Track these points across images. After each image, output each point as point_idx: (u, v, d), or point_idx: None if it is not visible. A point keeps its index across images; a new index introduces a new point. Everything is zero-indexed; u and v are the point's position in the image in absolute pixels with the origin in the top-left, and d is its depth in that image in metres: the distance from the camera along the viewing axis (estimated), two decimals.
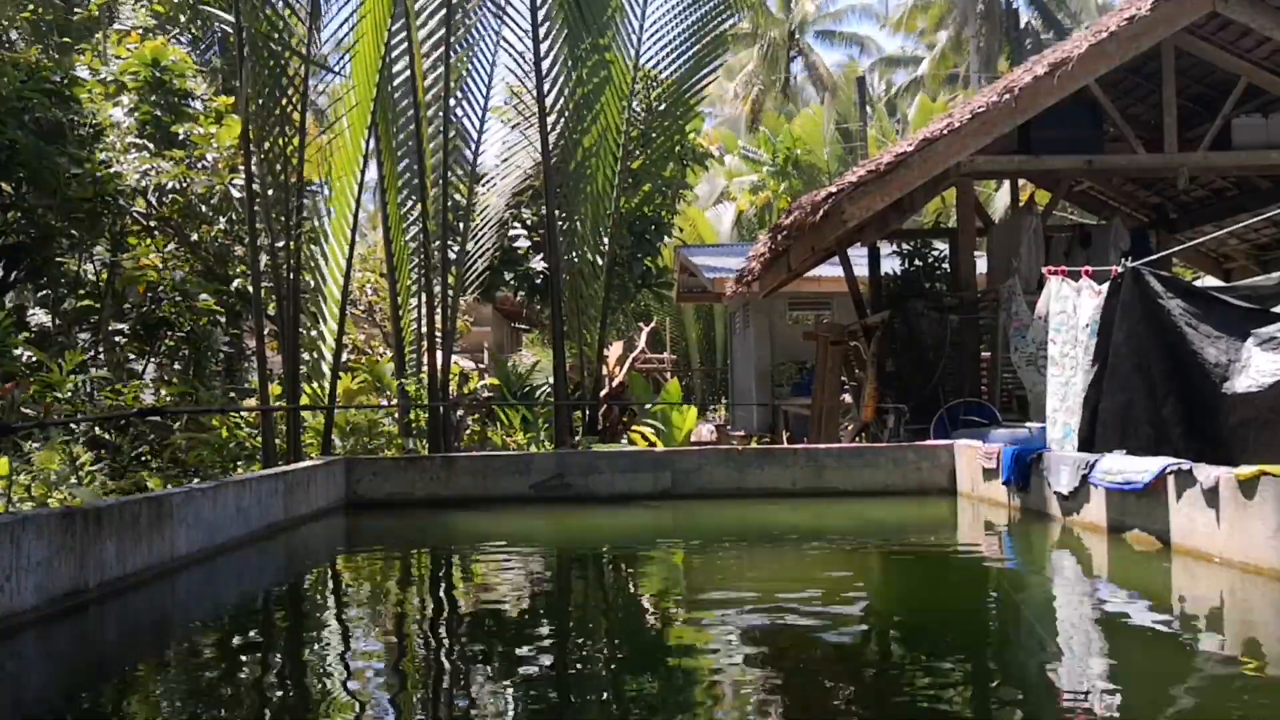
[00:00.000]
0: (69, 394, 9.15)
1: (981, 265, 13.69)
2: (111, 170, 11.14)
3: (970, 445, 10.07)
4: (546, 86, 13.16)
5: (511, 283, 16.30)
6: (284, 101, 10.67)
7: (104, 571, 5.80)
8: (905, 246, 14.20)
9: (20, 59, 10.97)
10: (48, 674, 4.69)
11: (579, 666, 4.78)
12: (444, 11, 12.29)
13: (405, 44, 12.21)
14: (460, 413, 13.36)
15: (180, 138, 12.58)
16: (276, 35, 10.57)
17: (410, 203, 13.18)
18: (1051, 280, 9.08)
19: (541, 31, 13.04)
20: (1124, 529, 7.17)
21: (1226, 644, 5.04)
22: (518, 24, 13.12)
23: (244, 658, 5.10)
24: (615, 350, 16.92)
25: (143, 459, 10.29)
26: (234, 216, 12.53)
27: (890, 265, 14.40)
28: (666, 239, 17.66)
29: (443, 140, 12.61)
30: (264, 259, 10.94)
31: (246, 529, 7.85)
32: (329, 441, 11.45)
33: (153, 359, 12.50)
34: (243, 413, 11.06)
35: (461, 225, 13.55)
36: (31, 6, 13.78)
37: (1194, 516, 6.40)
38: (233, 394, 13.79)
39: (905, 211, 12.51)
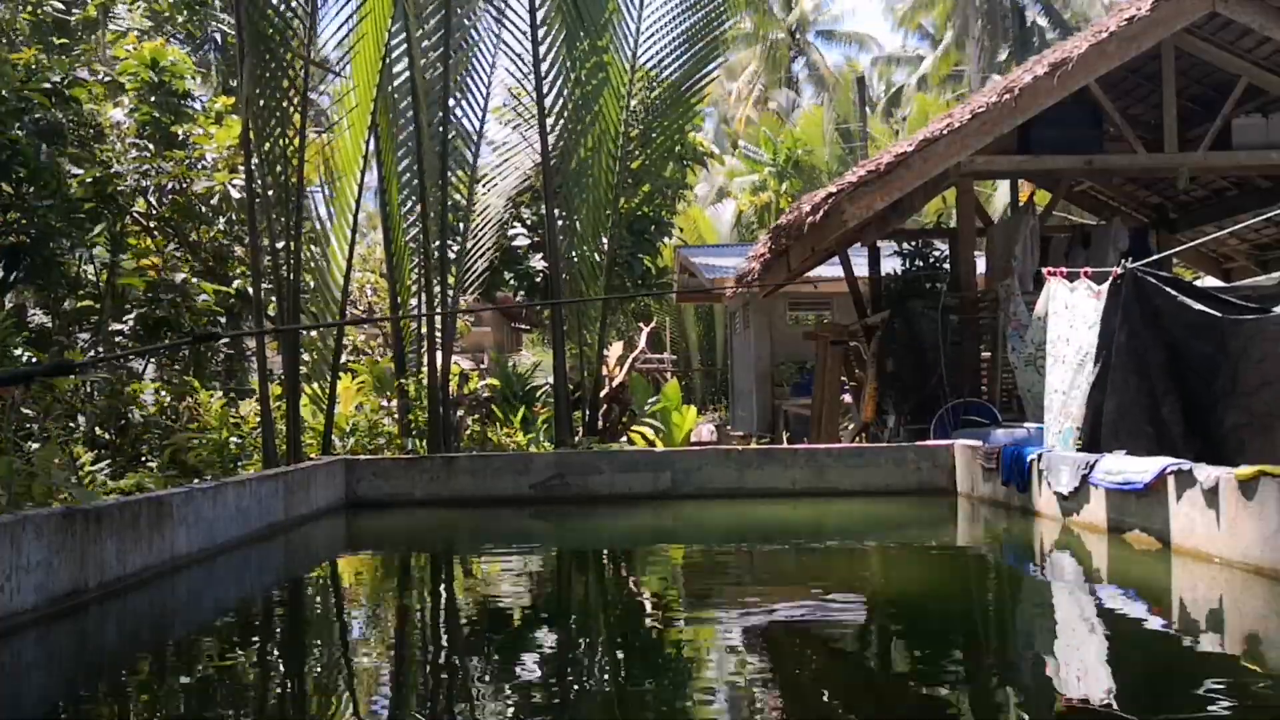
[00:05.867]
0: (69, 394, 9.15)
1: (982, 265, 13.68)
2: (111, 170, 11.14)
3: (970, 445, 10.07)
4: (546, 87, 13.16)
5: (511, 282, 16.30)
6: (284, 102, 10.66)
7: (104, 571, 5.80)
8: (905, 246, 14.19)
9: (20, 59, 10.96)
10: (48, 674, 4.69)
11: (579, 666, 4.78)
12: (443, 12, 12.28)
13: (405, 44, 12.19)
14: (460, 413, 13.35)
15: (180, 138, 12.59)
16: (278, 37, 10.56)
17: (410, 203, 13.17)
18: (1050, 281, 9.07)
19: (540, 33, 13.06)
20: (1124, 529, 7.17)
21: (1226, 644, 5.04)
22: (516, 25, 13.13)
23: (243, 658, 5.10)
24: (615, 350, 16.91)
25: (142, 459, 10.29)
26: (234, 216, 12.53)
27: (890, 265, 14.40)
28: (666, 239, 17.65)
29: (442, 140, 12.59)
30: (264, 259, 10.94)
31: (246, 529, 7.85)
32: (329, 441, 11.44)
33: (153, 359, 12.50)
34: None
35: (461, 225, 13.54)
36: (31, 6, 13.78)
37: (1194, 516, 6.40)
38: (233, 394, 13.78)
39: (905, 211, 12.50)
